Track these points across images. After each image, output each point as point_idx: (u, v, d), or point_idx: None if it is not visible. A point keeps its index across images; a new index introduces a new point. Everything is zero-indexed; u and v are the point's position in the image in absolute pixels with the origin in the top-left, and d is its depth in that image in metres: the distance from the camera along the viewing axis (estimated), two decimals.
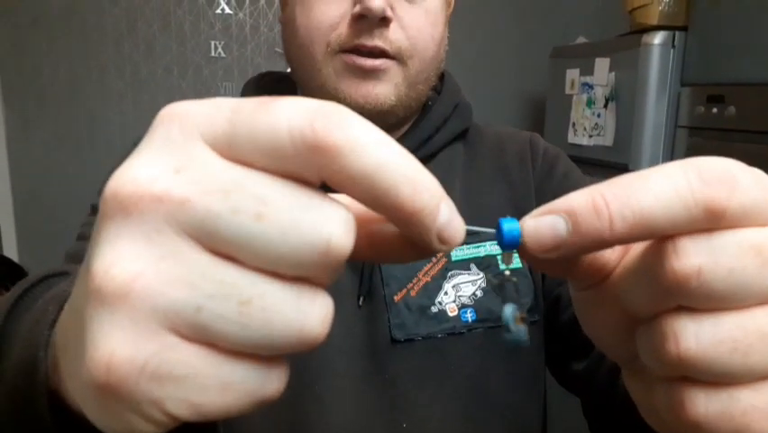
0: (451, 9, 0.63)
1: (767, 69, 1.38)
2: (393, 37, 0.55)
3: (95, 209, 0.58)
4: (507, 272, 0.27)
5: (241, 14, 2.27)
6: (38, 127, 2.17)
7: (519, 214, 0.64)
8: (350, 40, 0.54)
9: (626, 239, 0.21)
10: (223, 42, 2.26)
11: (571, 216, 0.22)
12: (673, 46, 1.62)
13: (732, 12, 1.47)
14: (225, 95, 2.28)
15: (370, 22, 0.53)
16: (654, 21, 1.69)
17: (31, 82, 2.14)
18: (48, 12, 2.12)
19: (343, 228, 0.20)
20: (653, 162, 1.68)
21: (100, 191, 0.59)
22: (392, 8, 0.54)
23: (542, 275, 0.62)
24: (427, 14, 0.56)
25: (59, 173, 2.15)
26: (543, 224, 0.23)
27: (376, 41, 0.54)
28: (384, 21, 0.53)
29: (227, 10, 2.25)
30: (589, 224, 0.22)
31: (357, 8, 0.52)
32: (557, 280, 0.60)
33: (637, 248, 0.24)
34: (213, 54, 2.26)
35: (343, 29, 0.54)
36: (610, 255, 0.25)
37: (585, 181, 0.67)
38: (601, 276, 0.25)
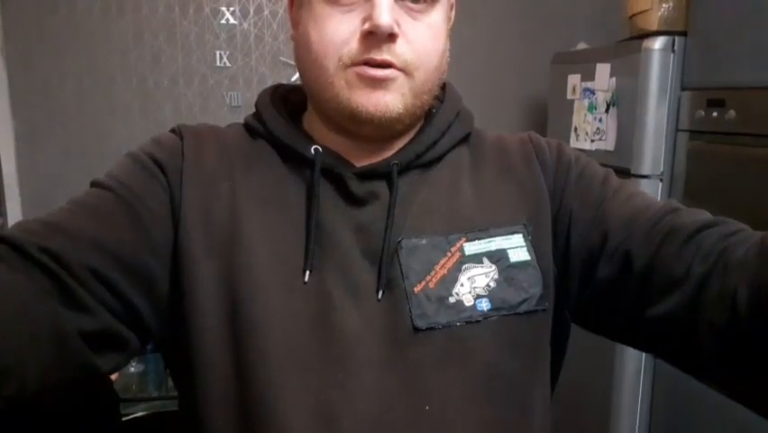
0: (450, 23, 0.67)
1: (765, 73, 1.39)
2: (399, 51, 0.59)
3: (100, 185, 0.61)
4: None
5: (245, 24, 2.30)
6: (46, 139, 2.20)
7: (529, 209, 0.67)
8: (360, 54, 0.59)
9: None
10: (228, 52, 2.29)
11: None
12: (673, 51, 1.64)
13: (731, 16, 1.49)
14: (231, 104, 2.31)
15: (378, 38, 0.58)
16: (654, 26, 1.71)
17: (39, 94, 2.18)
18: (55, 25, 2.15)
19: None
20: (655, 167, 1.69)
21: (94, 183, 0.61)
22: (398, 24, 0.58)
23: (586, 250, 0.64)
24: (430, 29, 0.61)
25: (67, 184, 2.18)
26: None
27: (384, 55, 0.58)
28: (391, 37, 0.58)
29: (232, 20, 2.28)
30: None
31: (367, 25, 0.57)
32: (620, 238, 0.62)
33: None
34: (218, 64, 2.29)
35: (354, 44, 0.59)
36: None
37: (593, 162, 0.71)
38: None
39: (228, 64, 2.30)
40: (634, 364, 1.74)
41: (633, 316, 0.62)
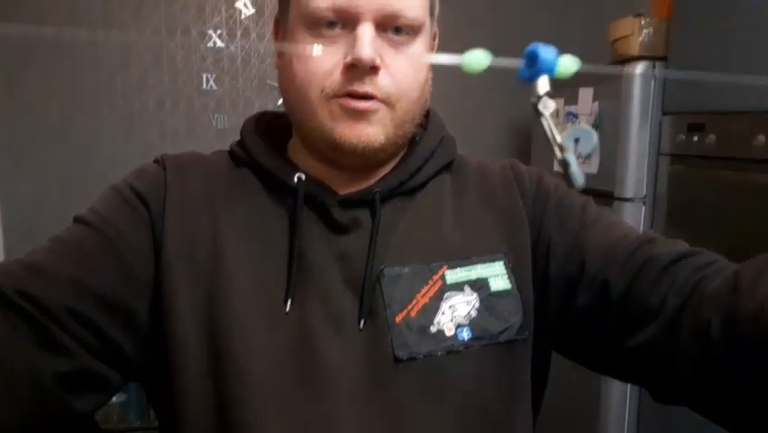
0: (434, 52, 0.68)
1: (744, 97, 1.42)
2: (382, 83, 0.60)
3: (81, 221, 0.61)
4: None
5: (232, 48, 2.31)
6: (30, 161, 2.18)
7: (509, 237, 0.67)
8: (343, 86, 0.59)
9: None
10: (214, 75, 2.30)
11: None
12: (654, 76, 1.67)
13: (709, 42, 1.52)
14: (217, 126, 2.31)
15: (361, 70, 0.58)
16: (635, 52, 1.74)
17: (23, 116, 2.16)
18: (41, 47, 2.15)
19: None
20: (639, 190, 1.71)
21: (76, 218, 0.60)
22: (380, 57, 0.59)
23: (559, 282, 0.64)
24: (412, 60, 0.62)
25: (50, 208, 2.16)
26: None
27: (367, 88, 0.59)
28: (373, 69, 0.59)
29: (219, 44, 2.29)
30: None
31: (349, 58, 0.58)
32: (598, 266, 0.62)
33: None
34: (204, 87, 2.29)
35: (337, 76, 0.59)
36: None
37: (574, 190, 0.71)
38: None
39: (215, 87, 2.30)
40: (620, 388, 1.74)
41: (611, 345, 0.62)
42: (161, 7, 2.23)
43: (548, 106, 0.29)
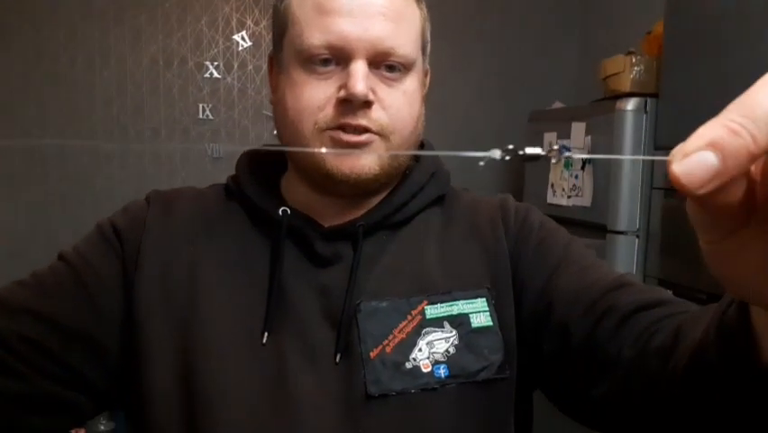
0: (426, 89, 0.69)
1: None
2: (375, 116, 0.60)
3: (60, 257, 0.63)
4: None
5: (229, 79, 2.33)
6: (24, 186, 2.17)
7: (493, 274, 0.65)
8: (335, 120, 0.60)
9: None
10: (210, 105, 2.31)
11: (715, 146, 0.23)
12: (646, 111, 1.69)
13: (699, 79, 1.55)
14: (212, 156, 2.32)
15: (353, 105, 0.59)
16: (627, 88, 1.77)
17: (20, 142, 2.16)
18: (38, 73, 2.16)
19: None
20: (631, 223, 1.71)
21: (59, 255, 0.62)
22: (374, 91, 0.60)
23: (533, 323, 0.63)
24: (405, 95, 0.62)
25: (44, 233, 2.14)
26: (693, 161, 0.24)
27: (360, 120, 0.60)
28: (366, 103, 0.59)
29: (215, 74, 2.32)
30: (734, 146, 0.23)
31: (342, 93, 0.59)
32: (563, 311, 0.60)
33: None
34: (200, 116, 2.31)
35: (329, 110, 0.60)
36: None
37: (560, 231, 0.69)
38: (745, 216, 0.27)
39: (211, 117, 2.32)
40: None
41: (573, 393, 0.60)
42: (159, 38, 2.26)
43: None
